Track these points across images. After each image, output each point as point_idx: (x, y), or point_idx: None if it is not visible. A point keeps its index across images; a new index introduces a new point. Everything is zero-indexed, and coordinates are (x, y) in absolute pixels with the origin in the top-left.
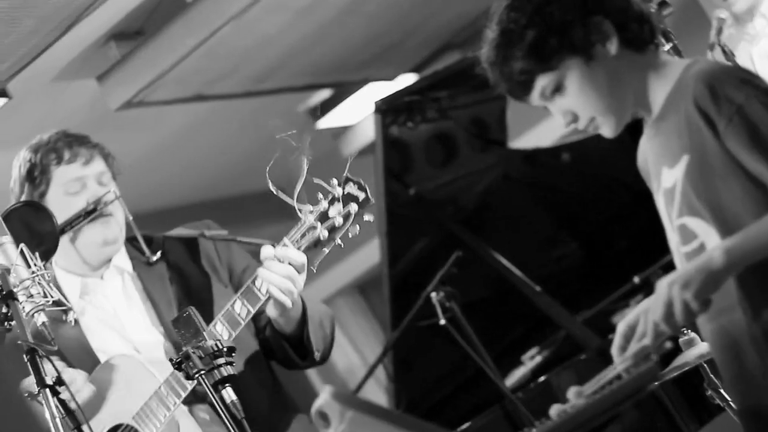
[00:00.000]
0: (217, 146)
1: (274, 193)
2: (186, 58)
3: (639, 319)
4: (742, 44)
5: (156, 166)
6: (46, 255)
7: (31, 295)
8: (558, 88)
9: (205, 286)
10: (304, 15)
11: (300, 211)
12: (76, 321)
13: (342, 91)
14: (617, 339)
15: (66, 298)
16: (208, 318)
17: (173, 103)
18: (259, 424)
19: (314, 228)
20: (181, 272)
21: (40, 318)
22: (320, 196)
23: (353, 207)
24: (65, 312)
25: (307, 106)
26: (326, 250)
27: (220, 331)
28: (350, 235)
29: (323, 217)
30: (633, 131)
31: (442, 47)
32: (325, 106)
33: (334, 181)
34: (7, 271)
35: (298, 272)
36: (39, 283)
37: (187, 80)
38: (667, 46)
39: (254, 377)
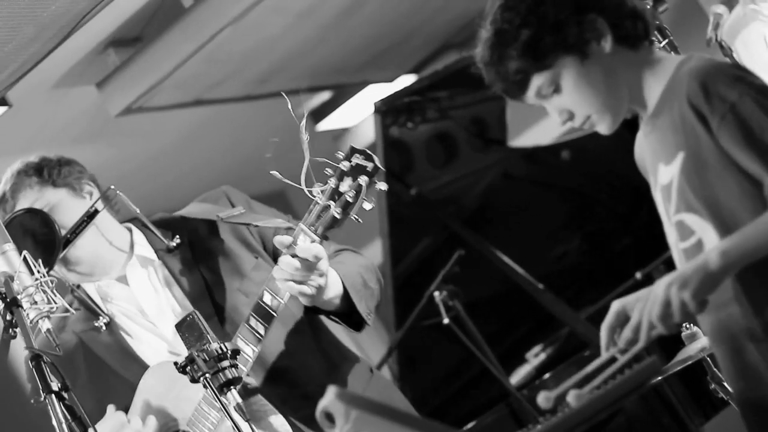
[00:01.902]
0: (217, 151)
1: (278, 178)
2: (185, 63)
3: (635, 307)
4: (754, 24)
5: (157, 172)
6: (49, 261)
7: (35, 302)
8: (554, 87)
9: (235, 261)
10: (303, 18)
11: (310, 193)
12: (107, 325)
13: (342, 93)
14: (610, 317)
15: (96, 305)
16: (248, 291)
17: (173, 108)
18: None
19: (327, 208)
20: (207, 252)
21: (45, 324)
22: (329, 172)
23: (363, 179)
24: (96, 318)
25: (307, 109)
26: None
27: (254, 325)
28: (367, 208)
29: (335, 194)
30: (631, 127)
31: (441, 48)
32: (325, 109)
33: (340, 155)
34: (11, 278)
35: (317, 262)
36: (42, 290)
37: (187, 85)
38: (663, 42)
39: (297, 344)
